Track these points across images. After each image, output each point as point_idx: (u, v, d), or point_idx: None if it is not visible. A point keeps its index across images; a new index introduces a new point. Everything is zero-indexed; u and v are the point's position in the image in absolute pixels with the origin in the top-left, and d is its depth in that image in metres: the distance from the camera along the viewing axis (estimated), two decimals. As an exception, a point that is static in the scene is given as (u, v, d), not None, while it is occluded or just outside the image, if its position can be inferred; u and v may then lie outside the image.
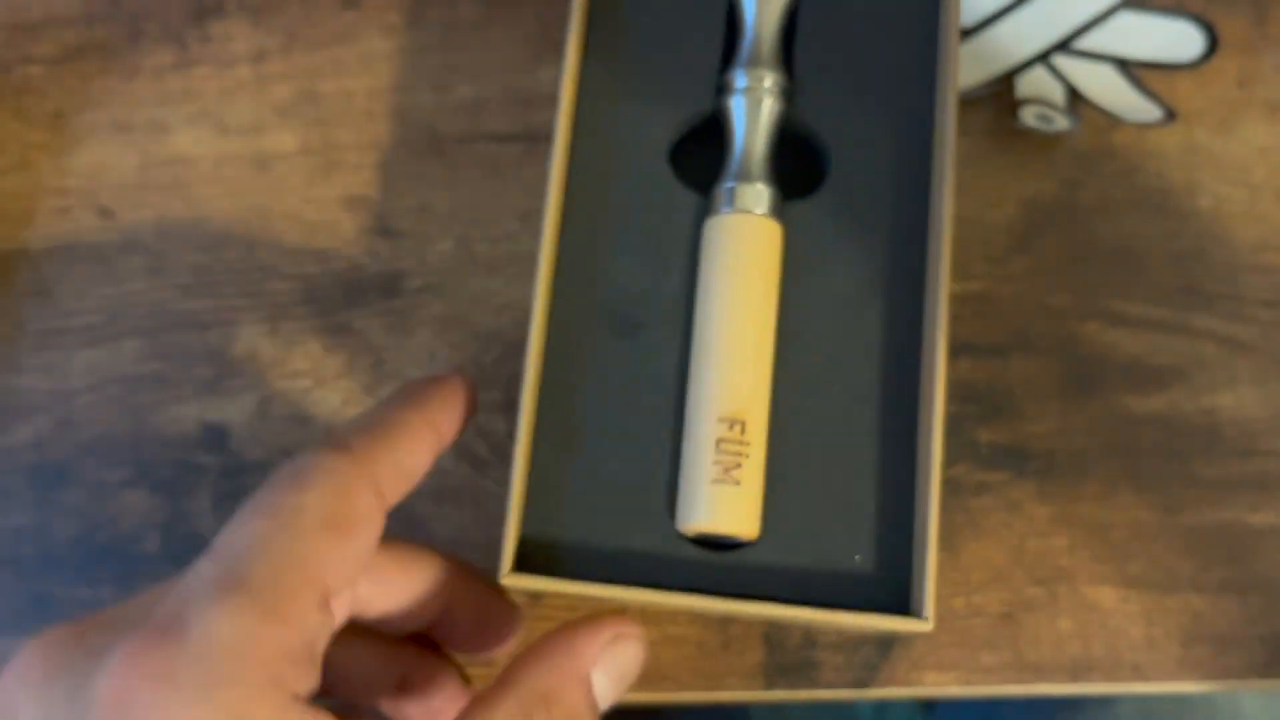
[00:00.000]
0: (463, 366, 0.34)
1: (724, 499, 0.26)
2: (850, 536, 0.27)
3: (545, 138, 0.35)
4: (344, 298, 0.34)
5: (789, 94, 0.30)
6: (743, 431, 0.26)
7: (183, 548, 0.33)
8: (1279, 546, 0.33)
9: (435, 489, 0.33)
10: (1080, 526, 0.33)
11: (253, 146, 0.35)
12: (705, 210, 0.29)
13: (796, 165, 0.31)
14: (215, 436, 0.33)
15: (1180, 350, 0.34)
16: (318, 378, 0.34)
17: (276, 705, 0.19)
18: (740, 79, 0.29)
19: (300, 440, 0.33)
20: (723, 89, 0.30)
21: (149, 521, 0.33)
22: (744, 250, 0.28)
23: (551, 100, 0.35)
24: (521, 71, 0.36)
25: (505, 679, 0.22)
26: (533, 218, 0.35)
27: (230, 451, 0.33)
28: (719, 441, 0.26)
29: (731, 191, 0.28)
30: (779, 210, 0.29)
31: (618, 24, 0.31)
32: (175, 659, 0.18)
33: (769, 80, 0.29)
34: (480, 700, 0.21)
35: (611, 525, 0.27)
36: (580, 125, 0.30)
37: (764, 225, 0.28)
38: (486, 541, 0.32)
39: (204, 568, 0.21)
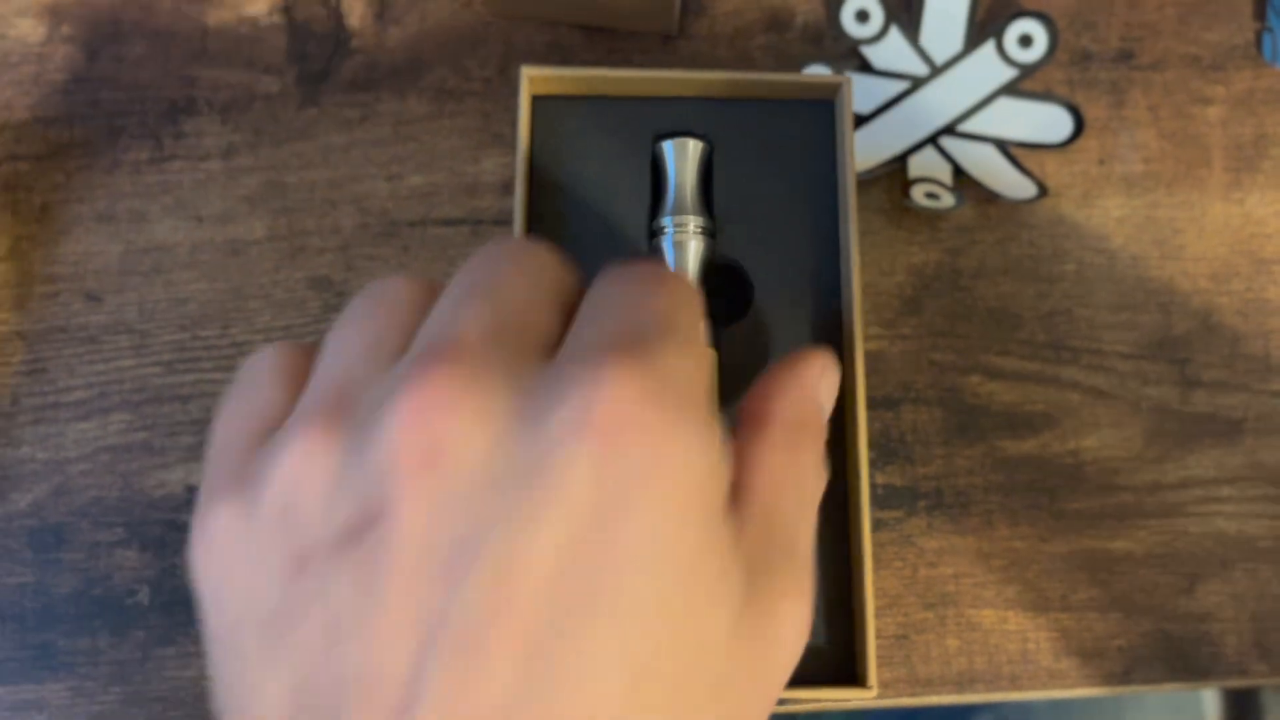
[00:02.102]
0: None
1: None
2: None
3: (489, 221, 0.40)
4: (311, 369, 0.38)
5: (712, 232, 0.35)
6: None
7: (171, 599, 0.36)
8: (1134, 569, 0.37)
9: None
10: (964, 556, 0.37)
11: (225, 234, 0.39)
12: None
13: (726, 294, 0.36)
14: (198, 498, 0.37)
15: (1050, 399, 0.39)
16: (289, 442, 0.38)
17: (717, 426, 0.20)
18: (668, 225, 0.34)
19: (275, 499, 0.37)
20: (653, 234, 0.35)
21: (140, 577, 0.37)
22: None
23: (493, 189, 0.40)
24: (466, 161, 0.40)
25: (762, 414, 0.23)
26: (479, 293, 0.39)
27: (212, 511, 0.37)
28: None
29: None
30: (714, 338, 0.34)
31: (556, 183, 0.35)
32: (659, 382, 0.19)
33: (693, 224, 0.34)
34: (750, 437, 0.23)
35: None
36: None
37: None
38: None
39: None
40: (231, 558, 0.20)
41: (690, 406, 0.19)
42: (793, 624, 0.21)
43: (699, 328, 0.22)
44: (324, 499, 0.19)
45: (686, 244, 0.34)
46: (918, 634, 0.37)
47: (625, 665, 0.18)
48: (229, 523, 0.20)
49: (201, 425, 0.38)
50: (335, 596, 0.18)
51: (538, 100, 0.36)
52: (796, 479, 0.23)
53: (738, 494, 0.22)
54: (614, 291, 0.21)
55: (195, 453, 0.37)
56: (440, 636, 0.17)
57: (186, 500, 0.37)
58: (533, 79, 0.35)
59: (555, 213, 0.35)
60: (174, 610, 0.36)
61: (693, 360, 0.20)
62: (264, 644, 0.19)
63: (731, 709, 0.20)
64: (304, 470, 0.19)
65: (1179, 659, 0.37)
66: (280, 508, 0.19)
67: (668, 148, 0.35)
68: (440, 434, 0.18)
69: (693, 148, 0.35)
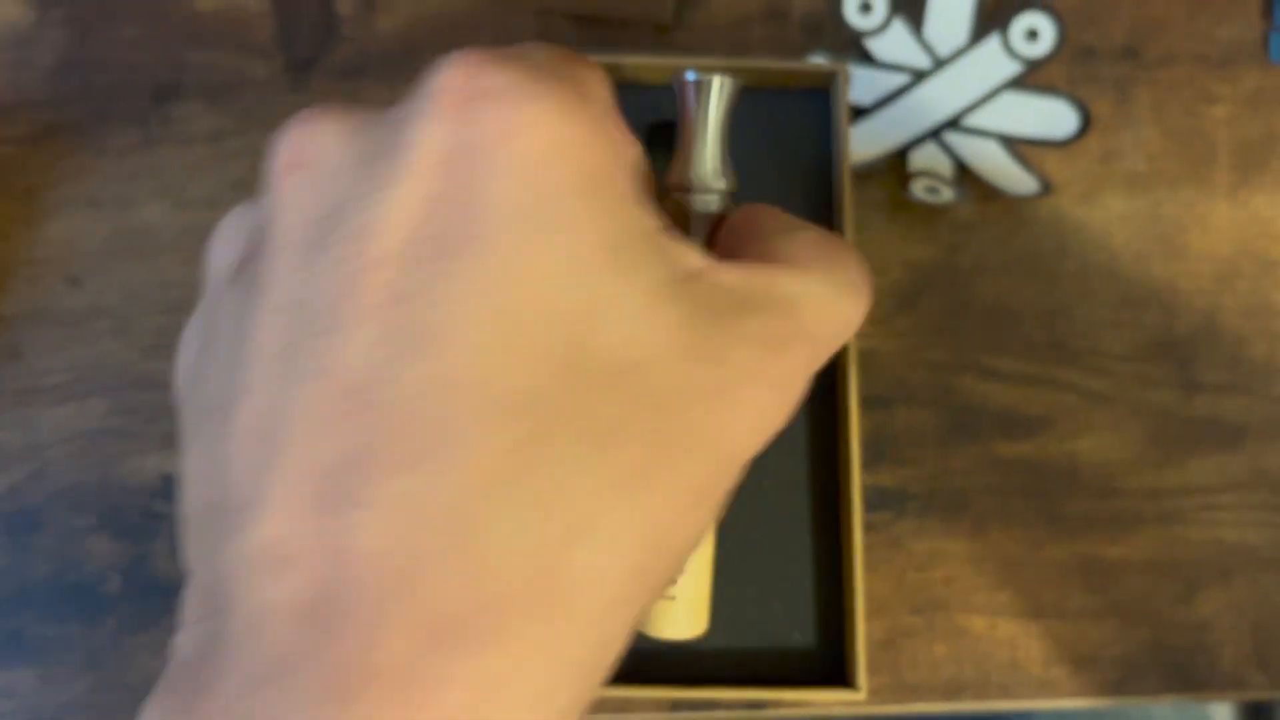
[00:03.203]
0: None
1: (662, 613, 0.28)
2: (790, 615, 0.32)
3: (476, 210, 0.39)
4: (293, 357, 0.38)
5: (734, 194, 0.27)
6: None
7: (142, 588, 0.36)
8: (1131, 576, 0.36)
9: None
10: (955, 560, 0.36)
11: (212, 218, 0.39)
12: None
13: None
14: (174, 486, 0.37)
15: (1046, 400, 0.38)
16: (269, 430, 0.37)
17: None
18: (692, 190, 0.26)
19: (252, 488, 0.37)
20: (667, 194, 0.27)
21: (112, 565, 0.36)
22: None
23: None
24: (455, 150, 0.39)
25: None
26: (465, 283, 0.38)
27: (188, 499, 0.36)
28: None
29: None
30: None
31: None
32: (517, 60, 0.18)
33: (717, 190, 0.27)
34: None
35: None
36: None
37: None
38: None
39: None
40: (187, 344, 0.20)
41: (556, 80, 0.18)
42: (754, 398, 0.18)
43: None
44: (229, 244, 0.20)
45: (709, 216, 0.26)
46: (905, 639, 0.36)
47: (492, 317, 0.16)
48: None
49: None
50: (226, 307, 0.18)
51: None
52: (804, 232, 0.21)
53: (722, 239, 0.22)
54: None
55: (173, 440, 0.37)
56: (303, 311, 0.17)
57: (162, 488, 0.36)
58: None
59: None
60: (146, 598, 0.36)
61: (564, 59, 0.19)
62: (195, 394, 0.19)
63: (656, 430, 0.17)
64: (219, 239, 0.20)
65: (1175, 669, 0.36)
66: (209, 280, 0.20)
67: (690, 87, 0.27)
68: (305, 137, 0.18)
69: (720, 87, 0.27)
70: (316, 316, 0.17)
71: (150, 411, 0.37)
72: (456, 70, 0.18)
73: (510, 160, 0.17)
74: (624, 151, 0.19)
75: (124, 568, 0.36)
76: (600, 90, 0.19)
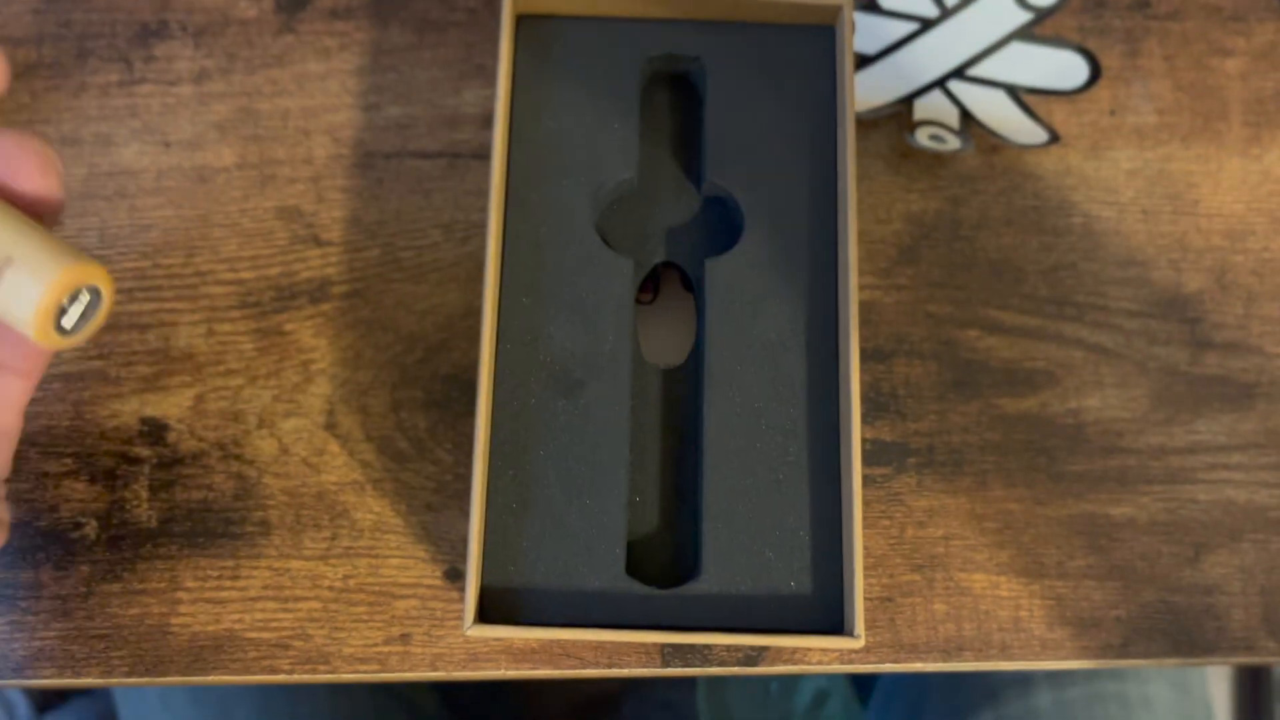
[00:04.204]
0: (386, 366, 0.36)
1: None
2: (785, 563, 0.30)
3: (468, 155, 0.38)
4: (276, 302, 0.37)
5: None
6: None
7: (119, 534, 0.35)
8: (1136, 537, 0.35)
9: (357, 480, 0.35)
10: (955, 517, 0.35)
11: (193, 160, 0.38)
12: (635, 275, 0.33)
13: (714, 224, 0.34)
14: (153, 430, 0.36)
15: (1051, 356, 0.37)
16: (250, 376, 0.36)
17: None
18: None
19: (233, 434, 0.35)
20: None
21: (88, 510, 0.35)
22: None
23: (473, 121, 0.38)
24: (446, 93, 0.38)
25: None
26: (455, 229, 0.37)
27: (167, 444, 0.35)
28: None
29: None
30: (698, 271, 0.32)
31: (540, 108, 0.34)
32: None
33: None
34: None
35: (565, 570, 0.30)
36: (512, 197, 0.33)
37: None
38: (406, 527, 0.35)
39: None
40: None
41: None
42: None
43: None
44: None
45: None
46: (904, 597, 0.35)
47: None
48: None
49: (159, 355, 0.36)
50: None
51: (522, 20, 0.34)
52: None
53: None
54: None
55: (151, 383, 0.36)
56: None
57: (140, 432, 0.35)
58: None
59: (540, 139, 0.34)
60: (121, 545, 0.35)
61: None
62: None
63: None
64: None
65: (1182, 633, 0.35)
66: None
67: None
68: None
69: None
70: None
71: (128, 355, 0.36)
72: None
73: None
74: None
75: (99, 513, 0.35)
76: None
